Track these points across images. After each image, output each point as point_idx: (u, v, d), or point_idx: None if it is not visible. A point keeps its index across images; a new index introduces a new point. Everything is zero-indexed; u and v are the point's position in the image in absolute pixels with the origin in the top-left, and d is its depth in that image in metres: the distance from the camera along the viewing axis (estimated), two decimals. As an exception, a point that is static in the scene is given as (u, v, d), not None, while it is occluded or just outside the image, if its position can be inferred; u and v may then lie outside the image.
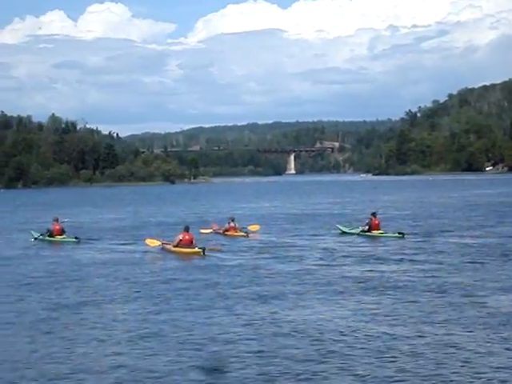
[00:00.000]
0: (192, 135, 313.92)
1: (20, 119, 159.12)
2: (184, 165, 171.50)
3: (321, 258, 21.86)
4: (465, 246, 23.96)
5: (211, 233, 29.90)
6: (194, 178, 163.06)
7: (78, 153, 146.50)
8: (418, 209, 46.14)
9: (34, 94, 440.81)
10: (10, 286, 18.17)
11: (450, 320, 12.77)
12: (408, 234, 27.54)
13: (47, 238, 28.99)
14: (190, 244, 23.33)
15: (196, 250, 22.89)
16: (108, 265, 21.47)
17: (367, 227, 27.94)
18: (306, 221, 37.70)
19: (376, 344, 11.20)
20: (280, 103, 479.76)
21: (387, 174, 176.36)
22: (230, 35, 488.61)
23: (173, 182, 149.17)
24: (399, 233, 27.09)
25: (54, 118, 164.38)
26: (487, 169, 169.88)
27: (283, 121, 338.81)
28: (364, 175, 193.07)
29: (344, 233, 29.15)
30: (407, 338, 11.57)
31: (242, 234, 28.96)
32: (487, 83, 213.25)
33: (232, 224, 29.72)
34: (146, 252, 24.51)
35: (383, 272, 18.56)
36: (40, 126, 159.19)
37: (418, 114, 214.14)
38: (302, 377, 9.71)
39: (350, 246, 24.91)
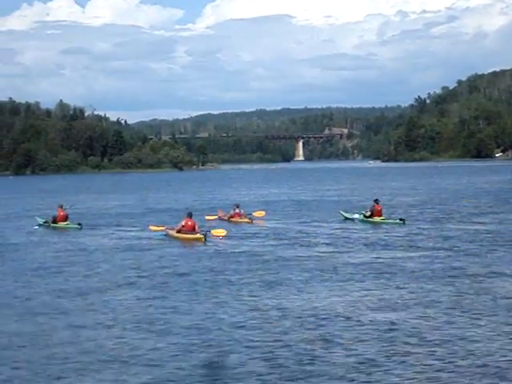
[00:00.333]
0: (200, 122, 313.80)
1: (28, 106, 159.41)
2: (192, 152, 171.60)
3: (324, 244, 21.94)
4: (473, 233, 23.91)
5: (216, 219, 29.86)
6: (202, 165, 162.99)
7: (86, 139, 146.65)
8: (425, 195, 45.94)
9: (42, 80, 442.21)
10: (17, 271, 18.24)
11: (456, 306, 12.72)
12: (416, 221, 27.54)
13: (51, 224, 29.38)
14: (192, 230, 23.43)
15: (198, 235, 22.97)
16: (114, 251, 21.58)
17: (369, 213, 28.01)
18: (312, 207, 37.75)
19: (381, 330, 11.19)
20: (288, 89, 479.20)
21: (396, 160, 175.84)
22: (238, 21, 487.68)
23: (181, 169, 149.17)
24: (400, 219, 27.23)
25: (61, 105, 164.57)
26: (497, 155, 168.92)
27: (292, 107, 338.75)
28: (372, 162, 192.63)
29: (347, 219, 29.33)
30: (413, 323, 11.53)
31: (247, 220, 29.02)
32: (497, 69, 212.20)
33: (237, 210, 29.83)
34: (150, 238, 24.51)
35: (389, 258, 18.61)
36: (48, 113, 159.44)
37: (428, 101, 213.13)
38: (306, 362, 9.71)
39: (353, 232, 24.96)
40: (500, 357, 9.76)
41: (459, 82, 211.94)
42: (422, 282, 15.12)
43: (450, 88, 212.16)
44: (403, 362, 9.62)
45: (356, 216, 28.96)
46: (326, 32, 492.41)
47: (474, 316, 12.02)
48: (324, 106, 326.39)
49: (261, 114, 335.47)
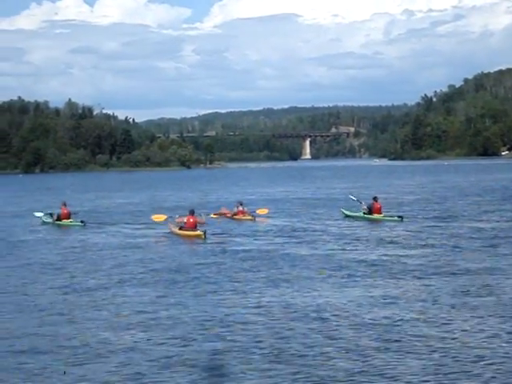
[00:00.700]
0: (208, 120, 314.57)
1: (37, 105, 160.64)
2: (200, 150, 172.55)
3: (325, 241, 22.31)
4: (477, 230, 24.00)
5: (221, 217, 30.44)
6: (210, 163, 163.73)
7: (95, 138, 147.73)
8: (431, 193, 46.15)
9: (51, 79, 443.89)
10: (22, 268, 18.60)
11: (459, 303, 12.89)
12: (420, 218, 28.23)
13: (54, 221, 30.04)
14: (193, 227, 24.25)
15: (198, 232, 23.81)
16: (119, 249, 21.90)
17: (368, 210, 28.77)
18: (316, 205, 38.14)
19: (383, 326, 11.34)
20: (295, 88, 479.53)
21: (403, 158, 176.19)
22: (245, 20, 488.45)
23: (189, 167, 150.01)
24: (398, 216, 27.84)
25: (70, 104, 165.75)
26: (503, 153, 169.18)
27: (299, 106, 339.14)
28: (378, 160, 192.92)
29: (347, 216, 30.04)
30: (415, 320, 11.69)
31: (250, 217, 29.61)
32: (503, 68, 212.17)
33: (240, 208, 30.36)
34: (155, 236, 25.14)
35: (391, 255, 18.77)
36: (57, 112, 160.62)
37: (434, 99, 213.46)
38: (309, 359, 9.83)
39: (354, 230, 25.42)
40: (502, 353, 9.87)
41: (465, 81, 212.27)
42: (424, 278, 15.31)
43: (457, 86, 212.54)
44: (405, 358, 9.74)
45: (356, 214, 29.58)
46: (333, 31, 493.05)
47: (476, 313, 12.13)
48: (331, 105, 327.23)
49: (268, 112, 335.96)
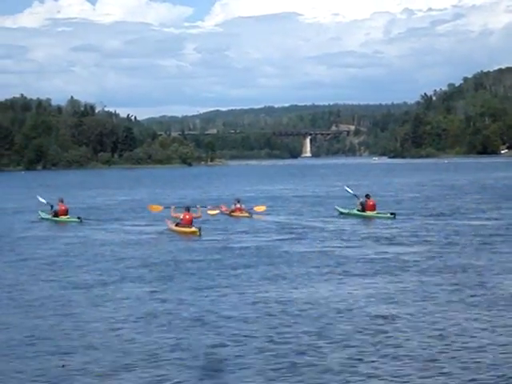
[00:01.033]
0: (209, 118, 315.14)
1: (39, 102, 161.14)
2: (201, 148, 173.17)
3: (321, 238, 22.59)
4: (475, 228, 24.11)
5: (218, 214, 30.53)
6: (211, 161, 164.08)
7: (97, 135, 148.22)
8: (429, 191, 46.25)
9: (53, 77, 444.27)
10: (20, 264, 18.69)
11: (456, 299, 13.00)
12: (417, 215, 28.85)
13: (52, 217, 30.47)
14: (189, 224, 24.67)
15: (193, 229, 24.29)
16: (117, 245, 22.09)
17: (360, 207, 29.32)
18: (315, 203, 38.42)
19: (380, 323, 11.41)
20: (296, 87, 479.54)
21: (402, 157, 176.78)
22: (246, 19, 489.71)
23: (190, 165, 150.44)
24: (391, 213, 28.26)
25: (72, 101, 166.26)
26: (502, 152, 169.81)
27: (299, 104, 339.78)
28: (376, 158, 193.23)
29: (342, 213, 30.55)
30: (412, 317, 11.78)
31: (247, 214, 30.01)
32: (503, 66, 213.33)
33: (238, 205, 30.73)
34: (153, 232, 25.49)
35: (387, 252, 18.96)
36: (59, 109, 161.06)
37: (434, 98, 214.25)
38: (305, 354, 9.89)
39: (348, 227, 25.68)
40: (499, 350, 9.87)
41: (465, 80, 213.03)
42: (421, 275, 15.39)
43: (456, 85, 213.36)
44: (402, 354, 9.78)
45: (350, 212, 30.10)
46: (333, 30, 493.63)
47: (472, 309, 12.20)
48: (331, 103, 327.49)
49: (268, 110, 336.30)
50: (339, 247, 20.51)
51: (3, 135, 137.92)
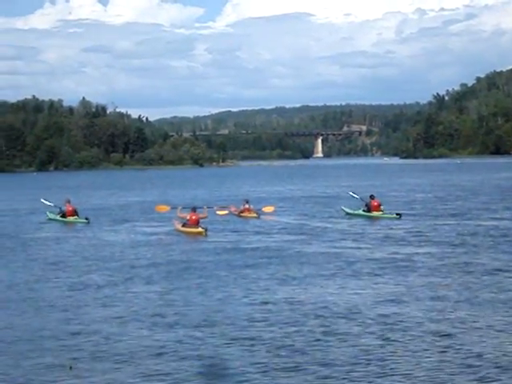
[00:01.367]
0: (220, 119, 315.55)
1: (51, 103, 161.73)
2: (212, 148, 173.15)
3: (327, 239, 22.67)
4: (486, 229, 24.10)
5: (227, 214, 30.63)
6: (223, 162, 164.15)
7: (108, 136, 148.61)
8: (441, 192, 46.16)
9: (64, 78, 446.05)
10: (29, 265, 18.80)
11: (464, 301, 12.98)
12: (428, 216, 28.82)
13: (59, 218, 30.53)
14: (196, 224, 24.84)
15: (199, 229, 24.48)
16: (126, 245, 22.25)
17: (366, 208, 29.52)
18: (324, 203, 38.46)
19: (387, 323, 11.44)
20: (307, 87, 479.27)
21: (415, 157, 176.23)
22: (257, 19, 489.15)
23: (201, 166, 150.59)
24: (397, 213, 28.45)
25: (84, 102, 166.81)
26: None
27: (311, 104, 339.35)
28: (387, 159, 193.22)
29: (348, 214, 30.72)
30: (421, 318, 11.76)
31: (255, 215, 30.12)
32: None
33: (246, 206, 30.85)
34: (161, 233, 25.61)
35: (396, 253, 18.98)
36: (71, 110, 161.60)
37: (446, 98, 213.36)
38: (314, 355, 9.90)
39: (354, 227, 25.80)
40: (506, 351, 9.89)
41: (478, 79, 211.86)
42: (429, 276, 15.42)
43: (469, 85, 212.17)
44: (410, 354, 9.79)
45: (356, 212, 30.17)
46: (345, 30, 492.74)
47: (482, 310, 12.21)
48: (343, 103, 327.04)
49: (280, 111, 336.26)
50: (346, 247, 20.56)
51: (15, 136, 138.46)
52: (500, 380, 8.84)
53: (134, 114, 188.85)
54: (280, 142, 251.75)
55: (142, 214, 34.21)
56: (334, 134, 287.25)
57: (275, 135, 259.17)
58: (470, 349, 10.03)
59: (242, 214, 30.67)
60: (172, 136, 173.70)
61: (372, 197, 29.81)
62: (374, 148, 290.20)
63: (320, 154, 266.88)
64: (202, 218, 25.35)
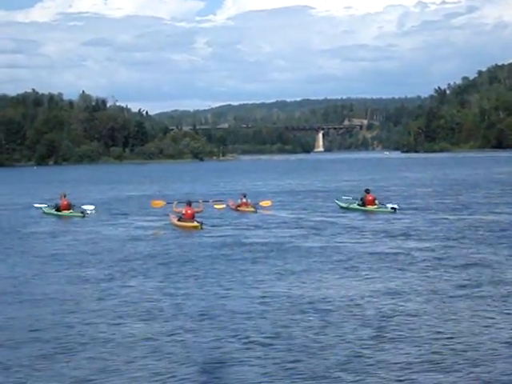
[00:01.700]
0: (220, 113, 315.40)
1: (51, 97, 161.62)
2: (212, 142, 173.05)
3: (323, 233, 22.59)
4: (481, 223, 23.99)
5: (224, 208, 30.71)
6: (223, 156, 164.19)
7: (108, 130, 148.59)
8: (440, 186, 45.97)
9: (64, 71, 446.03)
10: (26, 260, 18.73)
11: (464, 295, 12.94)
12: (426, 210, 28.75)
13: (54, 212, 30.41)
14: (191, 218, 24.83)
15: (195, 224, 24.43)
16: (122, 240, 22.18)
17: (361, 202, 29.38)
18: (321, 197, 38.43)
19: (387, 319, 11.40)
20: (308, 80, 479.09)
21: (416, 151, 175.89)
22: (258, 12, 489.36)
23: (201, 160, 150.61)
24: (392, 207, 28.26)
25: (84, 96, 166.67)
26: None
27: (311, 98, 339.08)
28: (388, 153, 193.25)
29: (342, 208, 30.56)
30: (419, 313, 11.73)
31: (252, 209, 30.11)
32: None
33: (244, 200, 30.87)
34: (157, 227, 25.59)
35: (393, 247, 18.95)
36: (71, 104, 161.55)
37: (448, 91, 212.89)
38: (312, 350, 9.86)
39: (349, 221, 25.72)
40: (507, 345, 9.88)
41: (479, 73, 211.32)
42: (427, 270, 15.41)
43: (471, 78, 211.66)
44: (409, 349, 9.77)
45: (350, 206, 30.00)
46: (346, 23, 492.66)
47: (482, 305, 12.15)
48: (344, 97, 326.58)
49: (281, 105, 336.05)
50: (342, 242, 20.49)
51: (15, 130, 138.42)
52: (499, 374, 8.79)
53: (134, 107, 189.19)
54: (280, 136, 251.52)
55: (139, 208, 34.06)
56: (334, 128, 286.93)
57: (276, 129, 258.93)
58: (467, 343, 10.01)
59: (239, 208, 30.66)
60: (172, 130, 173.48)
61: (367, 191, 29.65)
62: (375, 142, 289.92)
63: (321, 149, 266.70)
64: (197, 212, 25.35)
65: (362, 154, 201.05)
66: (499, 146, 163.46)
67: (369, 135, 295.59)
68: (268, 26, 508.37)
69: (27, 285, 15.14)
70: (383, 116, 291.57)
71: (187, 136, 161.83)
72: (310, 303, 12.58)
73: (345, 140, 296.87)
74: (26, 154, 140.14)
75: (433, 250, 18.21)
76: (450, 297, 12.84)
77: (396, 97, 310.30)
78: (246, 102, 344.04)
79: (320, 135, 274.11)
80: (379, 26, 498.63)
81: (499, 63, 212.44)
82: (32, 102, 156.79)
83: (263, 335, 10.60)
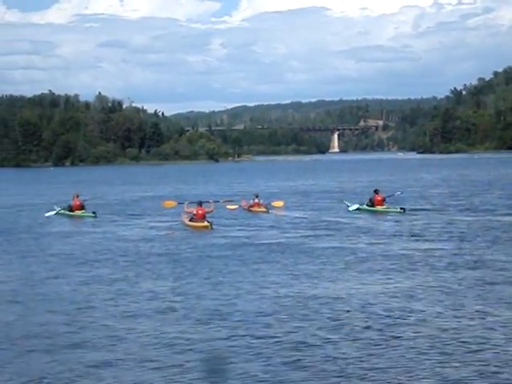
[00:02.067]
0: (236, 114, 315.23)
1: (67, 98, 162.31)
2: (228, 143, 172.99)
3: (334, 234, 22.82)
4: (501, 224, 24.01)
5: (237, 209, 31.03)
6: (238, 157, 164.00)
7: (124, 131, 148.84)
8: (455, 187, 45.81)
9: (80, 72, 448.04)
10: (39, 260, 18.90)
11: (474, 296, 12.99)
12: (425, 211, 28.88)
13: (67, 212, 30.78)
14: (202, 218, 25.17)
15: (205, 223, 24.76)
16: (135, 240, 22.36)
17: (370, 203, 29.51)
18: (333, 198, 38.42)
19: (398, 319, 11.45)
20: (323, 81, 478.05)
21: (432, 152, 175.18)
22: (273, 13, 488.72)
23: (217, 161, 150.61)
24: (401, 208, 28.46)
25: (100, 97, 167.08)
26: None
27: (327, 99, 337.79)
28: (401, 154, 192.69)
29: (351, 208, 30.51)
30: (432, 313, 11.79)
31: (264, 209, 30.31)
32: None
33: (256, 200, 31.09)
34: (169, 228, 25.85)
35: (403, 248, 19.03)
36: (87, 105, 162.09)
37: (464, 92, 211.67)
38: (322, 350, 9.96)
39: (362, 222, 25.91)
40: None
41: (495, 74, 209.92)
42: (438, 271, 15.49)
43: (486, 79, 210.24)
44: (418, 349, 9.82)
45: (359, 207, 30.11)
46: (362, 24, 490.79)
47: (491, 306, 12.19)
48: (359, 98, 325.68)
49: (296, 106, 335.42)
50: (353, 242, 20.61)
51: (31, 131, 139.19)
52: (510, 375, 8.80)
53: (150, 108, 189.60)
54: (296, 137, 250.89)
55: (153, 208, 34.23)
56: (350, 129, 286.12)
57: (291, 130, 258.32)
58: (482, 346, 9.99)
59: (251, 209, 30.87)
60: (188, 131, 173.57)
61: (376, 191, 29.75)
62: (391, 143, 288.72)
63: (336, 149, 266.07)
64: (208, 213, 25.63)
65: (378, 155, 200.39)
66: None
67: (384, 136, 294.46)
68: (283, 27, 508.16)
69: (41, 284, 15.27)
70: (399, 117, 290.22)
71: (203, 137, 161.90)
72: (320, 304, 12.62)
73: (360, 141, 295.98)
74: (43, 154, 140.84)
75: (449, 252, 18.23)
76: (462, 297, 12.87)
77: (412, 97, 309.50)
78: (261, 103, 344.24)
79: (335, 136, 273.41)
80: (395, 26, 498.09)
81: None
82: (49, 103, 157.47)
83: (274, 334, 10.66)
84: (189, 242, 21.87)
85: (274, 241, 21.25)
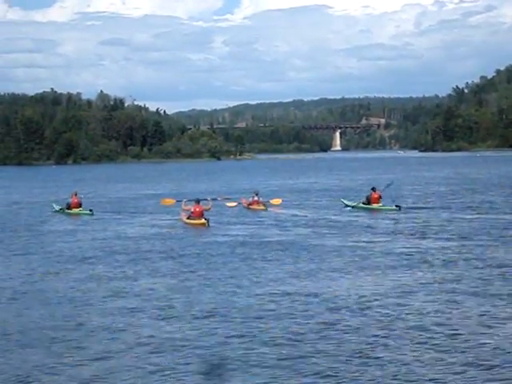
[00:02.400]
0: (238, 112, 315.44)
1: (69, 96, 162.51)
2: (230, 141, 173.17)
3: (331, 231, 22.84)
4: (497, 222, 23.95)
5: (237, 206, 31.28)
6: (240, 155, 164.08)
7: (126, 129, 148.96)
8: (456, 185, 45.92)
9: (82, 70, 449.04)
10: (38, 258, 18.88)
11: (471, 294, 13.01)
12: (420, 208, 29.04)
13: (65, 210, 31.07)
14: (200, 216, 25.43)
15: (202, 221, 25.01)
16: (134, 238, 22.38)
17: (366, 200, 29.60)
18: (331, 196, 38.64)
19: (398, 316, 11.49)
20: (325, 79, 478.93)
21: (434, 150, 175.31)
22: (275, 11, 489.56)
23: (219, 159, 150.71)
24: (396, 205, 28.58)
25: (102, 95, 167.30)
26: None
27: (329, 97, 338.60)
28: (401, 152, 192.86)
29: (347, 206, 30.80)
30: (431, 310, 11.81)
31: (263, 207, 30.50)
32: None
33: (255, 198, 31.25)
34: (168, 225, 25.90)
35: (407, 247, 18.96)
36: (89, 103, 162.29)
37: (465, 90, 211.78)
38: (322, 346, 9.97)
39: (358, 220, 25.90)
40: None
41: (497, 72, 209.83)
42: (440, 268, 15.47)
43: (489, 77, 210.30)
44: (419, 346, 9.87)
45: (356, 204, 30.26)
46: (364, 22, 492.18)
47: (491, 304, 12.20)
48: (361, 96, 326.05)
49: (298, 104, 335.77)
50: (351, 240, 20.59)
51: (33, 129, 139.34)
52: (508, 373, 8.84)
53: (152, 107, 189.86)
54: (297, 135, 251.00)
55: (153, 206, 34.29)
56: (352, 127, 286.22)
57: (293, 128, 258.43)
58: (478, 342, 10.04)
59: (250, 206, 31.04)
60: (190, 129, 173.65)
61: (373, 189, 29.85)
62: (393, 141, 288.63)
63: (338, 147, 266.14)
64: (205, 210, 25.85)
65: (380, 154, 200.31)
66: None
67: (386, 134, 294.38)
68: (285, 25, 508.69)
69: (40, 282, 15.31)
70: (401, 115, 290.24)
71: (205, 135, 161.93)
72: (318, 301, 12.68)
73: (362, 139, 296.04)
74: (45, 152, 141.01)
75: (449, 249, 18.25)
76: (462, 295, 12.89)
77: (414, 96, 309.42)
78: (263, 101, 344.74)
79: (337, 134, 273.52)
80: (396, 25, 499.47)
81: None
82: (51, 101, 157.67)
83: (274, 333, 10.68)
84: (187, 239, 21.96)
85: (272, 239, 21.29)
